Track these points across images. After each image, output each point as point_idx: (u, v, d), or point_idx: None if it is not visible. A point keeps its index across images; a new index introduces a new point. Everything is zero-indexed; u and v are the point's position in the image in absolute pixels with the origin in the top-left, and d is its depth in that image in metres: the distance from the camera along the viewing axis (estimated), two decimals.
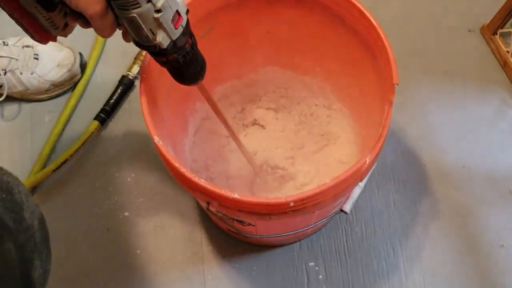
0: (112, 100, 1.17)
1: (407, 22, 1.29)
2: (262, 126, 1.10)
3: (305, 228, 0.89)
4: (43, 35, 0.64)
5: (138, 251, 1.05)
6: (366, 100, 0.93)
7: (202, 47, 0.92)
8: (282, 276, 1.02)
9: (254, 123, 1.10)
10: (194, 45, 0.67)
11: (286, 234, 0.90)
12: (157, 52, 0.63)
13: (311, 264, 1.03)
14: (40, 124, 1.18)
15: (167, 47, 0.62)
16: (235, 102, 1.10)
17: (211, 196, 0.70)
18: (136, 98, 1.19)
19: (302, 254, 1.04)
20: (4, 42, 1.13)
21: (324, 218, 0.89)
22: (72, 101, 1.17)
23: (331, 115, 1.08)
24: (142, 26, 0.59)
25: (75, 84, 1.21)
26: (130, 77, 1.19)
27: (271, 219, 0.71)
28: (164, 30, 0.60)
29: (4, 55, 1.11)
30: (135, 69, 1.20)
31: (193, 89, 1.00)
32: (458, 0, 1.31)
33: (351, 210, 0.86)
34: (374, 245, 1.05)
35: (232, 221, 0.80)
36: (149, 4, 0.56)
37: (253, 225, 0.82)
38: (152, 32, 0.60)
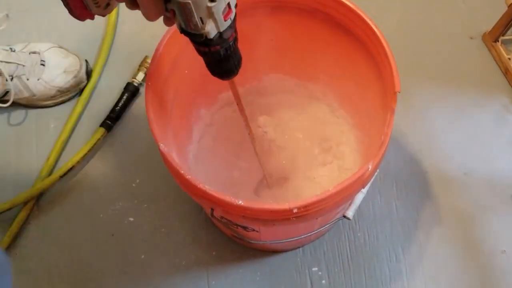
0: (118, 107, 1.17)
1: (409, 29, 1.29)
2: (266, 133, 1.11)
3: (308, 234, 0.89)
4: (82, 11, 0.65)
5: (143, 256, 1.05)
6: (368, 107, 0.94)
7: None
8: (286, 281, 1.03)
9: (259, 130, 1.10)
10: (236, 39, 0.67)
11: (289, 240, 0.90)
12: (201, 42, 0.63)
13: (314, 269, 1.04)
14: (46, 130, 1.19)
15: (213, 37, 0.62)
16: (238, 109, 1.11)
17: (215, 203, 0.71)
18: (141, 105, 1.20)
19: (305, 259, 1.05)
20: (11, 48, 1.14)
21: (327, 224, 0.90)
22: (78, 108, 1.18)
23: (334, 121, 1.09)
24: (194, 14, 0.58)
25: (81, 91, 1.22)
26: (135, 84, 1.20)
27: (274, 225, 0.72)
28: (214, 20, 0.60)
29: (11, 61, 1.12)
30: (140, 76, 1.21)
31: (198, 97, 1.02)
32: (460, 7, 1.32)
33: (353, 216, 0.86)
34: (376, 251, 1.05)
35: (236, 227, 0.80)
36: None
37: (257, 231, 0.83)
38: (202, 21, 0.60)
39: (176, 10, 0.60)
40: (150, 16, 0.62)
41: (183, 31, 0.63)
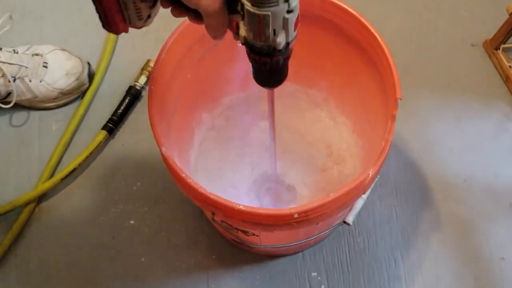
0: (120, 110, 1.18)
1: (410, 36, 1.30)
2: (267, 137, 1.11)
3: (308, 239, 0.90)
4: (121, 24, 0.63)
5: (143, 259, 1.06)
6: (369, 114, 0.94)
7: (208, 60, 0.95)
8: (285, 286, 1.03)
9: (260, 134, 1.11)
10: (292, 50, 0.66)
11: (289, 244, 0.91)
12: (265, 53, 0.62)
13: (314, 274, 1.04)
14: (48, 132, 1.19)
15: (281, 48, 0.61)
16: (240, 114, 1.11)
17: (216, 207, 0.71)
18: (143, 108, 1.21)
19: (305, 264, 1.05)
20: (14, 50, 1.15)
21: (327, 229, 0.91)
22: (80, 110, 1.19)
23: (335, 127, 1.09)
24: (269, 25, 0.57)
25: (83, 93, 1.22)
26: (137, 87, 1.20)
27: (275, 230, 0.72)
28: (286, 31, 0.59)
29: (14, 63, 1.12)
30: (142, 79, 1.21)
31: (200, 101, 1.02)
32: (461, 15, 1.33)
33: (353, 222, 0.87)
34: (376, 257, 1.06)
35: (236, 231, 0.81)
36: (286, 3, 0.55)
37: (257, 235, 0.83)
38: (275, 32, 0.59)
39: (247, 22, 0.58)
40: (216, 33, 0.61)
41: (247, 42, 0.62)
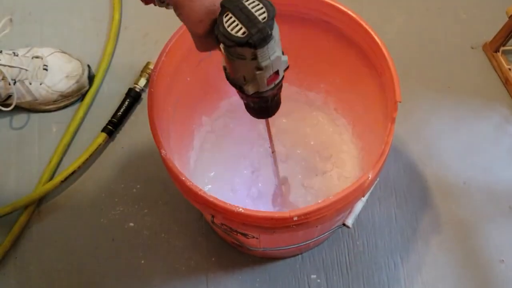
0: (119, 112, 1.18)
1: (410, 38, 1.30)
2: (266, 140, 1.11)
3: (307, 242, 0.90)
4: None
5: (143, 261, 1.06)
6: (369, 116, 0.94)
7: (207, 63, 0.95)
8: None
9: (260, 137, 1.11)
10: (277, 95, 0.67)
11: (289, 247, 0.91)
12: (239, 90, 0.64)
13: (313, 276, 1.04)
14: (48, 134, 1.19)
15: (251, 94, 0.63)
16: (239, 117, 1.11)
17: (216, 209, 0.71)
18: (143, 111, 1.21)
19: (304, 266, 1.05)
20: (14, 53, 1.15)
21: (326, 232, 0.91)
22: (80, 113, 1.19)
23: (334, 129, 1.10)
24: (238, 71, 0.59)
25: (83, 96, 1.22)
26: (137, 90, 1.20)
27: (274, 232, 0.72)
28: (256, 83, 0.60)
29: (14, 65, 1.12)
30: (142, 82, 1.21)
31: (200, 104, 1.02)
32: (461, 18, 1.33)
33: (353, 224, 0.87)
34: (375, 259, 1.06)
35: (236, 233, 0.81)
36: (254, 61, 0.57)
37: (257, 238, 0.83)
38: (244, 79, 0.60)
39: (224, 57, 0.60)
40: (197, 49, 0.63)
41: (225, 72, 0.63)
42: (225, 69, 0.63)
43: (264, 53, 0.56)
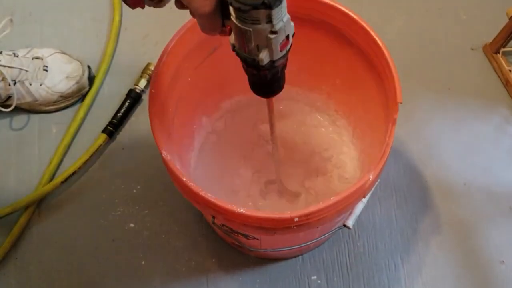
0: (120, 113, 1.18)
1: (410, 39, 1.30)
2: (267, 141, 1.11)
3: (308, 243, 0.90)
4: (137, 1, 0.64)
5: (143, 262, 1.06)
6: (369, 117, 0.94)
7: (209, 64, 0.95)
8: None
9: (260, 138, 1.11)
10: (285, 66, 0.67)
11: (289, 248, 0.91)
12: (251, 64, 0.64)
13: (314, 277, 1.04)
14: (48, 135, 1.19)
15: (265, 64, 0.62)
16: (240, 117, 1.11)
17: (217, 210, 0.71)
18: (143, 112, 1.21)
19: (304, 267, 1.05)
20: (14, 54, 1.15)
21: (327, 233, 0.91)
22: (81, 113, 1.19)
23: (335, 130, 1.10)
24: (252, 41, 0.59)
25: (83, 97, 1.22)
26: (138, 91, 1.20)
27: (275, 233, 0.72)
28: (270, 50, 0.60)
29: (15, 66, 1.12)
30: (143, 82, 1.21)
31: (200, 104, 1.02)
32: (461, 19, 1.33)
33: (353, 225, 0.87)
34: (375, 260, 1.06)
35: (236, 234, 0.81)
36: (269, 24, 0.57)
37: (257, 239, 0.83)
38: (258, 48, 0.60)
39: (235, 32, 0.60)
40: (204, 31, 0.62)
41: (235, 50, 0.63)
42: (234, 46, 0.63)
43: (278, 14, 0.56)
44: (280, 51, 0.62)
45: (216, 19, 0.60)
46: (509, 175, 1.14)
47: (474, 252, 1.06)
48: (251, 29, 0.57)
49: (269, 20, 0.56)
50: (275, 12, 0.55)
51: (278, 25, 0.57)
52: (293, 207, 1.03)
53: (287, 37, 0.61)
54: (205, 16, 0.59)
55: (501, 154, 1.16)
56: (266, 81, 0.68)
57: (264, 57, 0.61)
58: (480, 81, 1.25)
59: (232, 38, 0.62)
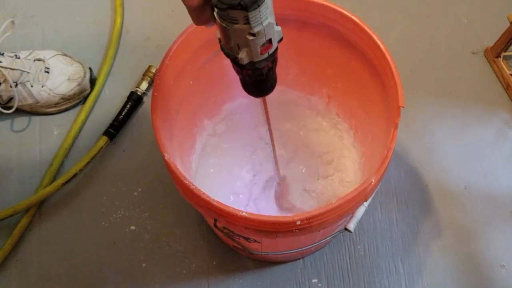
0: (121, 116, 1.18)
1: (411, 43, 1.30)
2: (267, 144, 1.11)
3: (309, 246, 0.90)
4: None
5: (144, 265, 1.06)
6: (371, 121, 0.95)
7: (210, 66, 0.95)
8: None
9: (261, 141, 1.11)
10: (272, 69, 0.67)
11: (290, 251, 0.91)
12: (233, 62, 0.64)
13: (314, 280, 1.04)
14: (49, 137, 1.19)
15: (245, 64, 0.63)
16: (241, 120, 1.12)
17: (219, 213, 0.72)
18: (144, 114, 1.21)
19: (305, 270, 1.05)
20: (16, 55, 1.15)
21: (328, 236, 0.91)
22: (82, 116, 1.19)
23: (336, 134, 1.10)
24: (231, 39, 0.59)
25: (84, 99, 1.22)
26: (139, 93, 1.20)
27: (277, 236, 0.73)
28: (249, 51, 0.61)
29: (16, 68, 1.12)
30: (144, 85, 1.21)
31: (202, 107, 1.02)
32: (462, 23, 1.33)
33: (354, 229, 0.87)
34: (376, 263, 1.06)
35: (238, 237, 0.81)
36: (247, 26, 0.57)
37: (259, 242, 0.83)
38: (238, 47, 0.61)
39: (218, 27, 0.60)
40: (194, 21, 0.63)
41: (221, 46, 0.64)
42: (219, 40, 0.63)
43: (256, 17, 0.57)
44: (262, 53, 0.62)
45: (203, 12, 0.60)
46: (509, 179, 1.14)
47: (474, 256, 1.07)
48: (229, 28, 0.58)
49: (247, 22, 0.57)
50: (252, 14, 0.56)
51: (256, 28, 0.58)
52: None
53: (270, 40, 0.61)
54: (192, 9, 0.60)
55: (501, 158, 1.16)
56: (251, 81, 0.68)
57: (243, 56, 0.61)
58: (481, 85, 1.25)
59: (218, 33, 0.63)
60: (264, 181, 1.07)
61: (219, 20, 0.58)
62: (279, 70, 1.03)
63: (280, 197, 1.04)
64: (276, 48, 0.64)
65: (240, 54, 0.61)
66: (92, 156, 1.13)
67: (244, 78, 0.68)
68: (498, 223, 1.10)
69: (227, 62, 0.95)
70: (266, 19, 0.58)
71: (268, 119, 0.83)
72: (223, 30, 0.59)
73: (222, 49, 0.64)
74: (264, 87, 0.71)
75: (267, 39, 0.60)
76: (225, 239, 0.98)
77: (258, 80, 0.68)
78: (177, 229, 1.09)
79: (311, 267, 1.05)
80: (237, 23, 0.57)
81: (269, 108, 1.11)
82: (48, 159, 1.16)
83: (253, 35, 0.58)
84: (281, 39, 0.63)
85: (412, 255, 1.06)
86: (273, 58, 0.65)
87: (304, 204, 1.04)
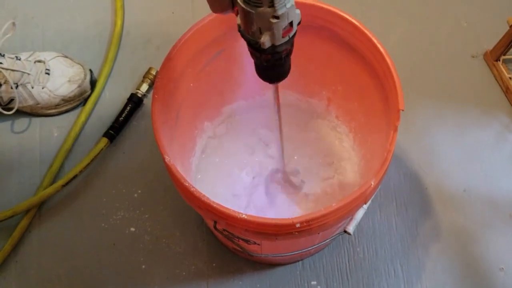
0: (121, 118, 1.18)
1: (410, 46, 1.30)
2: (267, 145, 1.11)
3: (309, 248, 0.90)
4: None
5: (143, 266, 1.06)
6: (371, 124, 0.95)
7: (211, 69, 0.95)
8: None
9: (261, 143, 1.11)
10: (289, 53, 0.68)
11: (290, 253, 0.91)
12: (254, 47, 0.65)
13: (314, 283, 1.04)
14: (49, 138, 1.19)
15: (266, 48, 0.63)
16: (241, 122, 1.12)
17: (219, 215, 0.72)
18: (144, 116, 1.21)
19: (304, 273, 1.05)
20: (17, 57, 1.15)
21: (327, 239, 0.91)
22: (82, 117, 1.19)
23: (336, 136, 1.10)
24: (254, 23, 0.60)
25: (85, 100, 1.22)
26: (139, 95, 1.20)
27: (277, 239, 0.73)
28: (272, 34, 0.61)
29: (17, 69, 1.12)
30: (144, 87, 1.21)
31: (202, 109, 1.03)
32: (462, 26, 1.33)
33: (353, 231, 0.87)
34: (375, 266, 1.06)
35: (237, 239, 0.81)
36: (271, 8, 0.58)
37: (258, 244, 0.83)
38: (260, 31, 0.61)
39: (240, 13, 0.61)
40: (214, 8, 0.63)
41: (240, 32, 0.64)
42: (239, 27, 0.64)
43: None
44: (283, 37, 0.62)
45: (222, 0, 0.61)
46: (509, 182, 1.14)
47: (473, 259, 1.07)
48: (253, 11, 0.58)
49: (272, 4, 0.57)
50: None
51: (280, 10, 0.58)
52: (295, 212, 1.03)
53: (291, 23, 0.62)
54: None
55: (501, 161, 1.16)
56: (268, 66, 0.68)
57: (265, 41, 0.62)
58: (480, 89, 1.25)
59: (238, 19, 0.63)
60: (264, 182, 1.07)
61: (242, 4, 0.58)
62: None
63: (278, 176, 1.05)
64: (295, 32, 0.64)
65: (262, 38, 0.61)
66: (92, 157, 1.13)
67: (262, 63, 0.68)
68: (498, 226, 1.10)
69: (227, 65, 0.96)
70: (289, 1, 0.59)
71: (278, 105, 0.84)
72: (246, 14, 0.59)
73: (242, 35, 0.65)
74: (281, 71, 0.71)
75: (289, 21, 0.61)
76: (225, 241, 0.98)
77: (276, 64, 0.68)
78: (177, 231, 1.09)
79: (310, 269, 1.05)
80: (261, 6, 0.57)
81: (268, 111, 1.12)
82: (48, 160, 1.16)
83: (277, 17, 0.59)
84: (300, 21, 0.64)
85: (411, 258, 1.06)
86: (292, 42, 0.66)
87: (304, 206, 1.04)
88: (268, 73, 0.72)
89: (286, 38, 0.63)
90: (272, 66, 0.68)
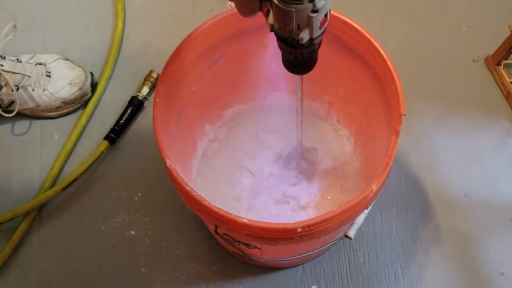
0: (122, 120, 1.18)
1: (411, 51, 1.30)
2: (268, 149, 1.11)
3: (309, 253, 0.90)
4: None
5: (144, 269, 1.06)
6: (372, 128, 0.95)
7: (213, 72, 0.95)
8: None
9: (262, 146, 1.11)
10: (320, 44, 0.68)
11: (290, 258, 0.91)
12: (290, 44, 0.65)
13: (314, 287, 1.04)
14: (50, 141, 1.19)
15: (304, 43, 0.63)
16: (242, 126, 1.12)
17: (220, 220, 0.72)
18: (145, 119, 1.21)
19: (305, 277, 1.05)
20: (17, 59, 1.15)
21: (328, 243, 0.91)
22: (83, 120, 1.19)
23: (337, 141, 1.10)
24: (293, 20, 0.60)
25: (85, 103, 1.22)
26: (140, 98, 1.20)
27: (278, 243, 0.73)
28: (310, 28, 0.61)
29: (18, 72, 1.12)
30: (145, 90, 1.21)
31: (203, 113, 1.03)
32: (463, 30, 1.33)
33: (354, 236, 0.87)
34: (376, 270, 1.06)
35: (238, 243, 0.81)
36: (311, 3, 0.58)
37: (259, 248, 0.83)
38: (298, 27, 0.61)
39: (274, 12, 0.61)
40: (241, 13, 0.63)
41: (274, 30, 0.64)
42: (272, 27, 0.64)
43: None
44: (320, 28, 0.62)
45: (253, 1, 0.61)
46: (509, 186, 1.14)
47: (474, 263, 1.07)
48: (293, 9, 0.58)
49: (311, 0, 0.57)
50: None
51: (320, 3, 0.58)
52: (297, 217, 1.03)
53: (326, 14, 0.62)
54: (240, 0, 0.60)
55: (501, 166, 1.16)
56: (302, 60, 0.68)
57: (304, 36, 0.62)
58: (481, 93, 1.25)
59: (270, 19, 0.63)
60: (265, 186, 1.07)
61: (280, 4, 0.58)
62: (280, 76, 1.03)
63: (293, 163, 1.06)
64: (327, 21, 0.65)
65: (301, 34, 0.61)
66: (92, 160, 1.13)
67: (296, 57, 0.68)
68: (498, 231, 1.10)
69: (228, 68, 0.96)
70: None
71: (302, 92, 0.86)
72: (284, 14, 0.59)
73: (277, 34, 0.64)
74: (311, 63, 0.71)
75: (325, 13, 0.61)
76: (225, 244, 0.98)
77: (310, 57, 0.68)
78: (177, 234, 1.09)
79: (310, 273, 1.05)
80: (302, 3, 0.57)
81: (271, 114, 1.13)
82: (48, 163, 1.16)
83: (316, 11, 0.59)
84: (329, 10, 0.64)
85: (411, 262, 1.06)
86: (323, 33, 0.66)
87: (304, 212, 1.04)
88: (300, 67, 0.72)
89: (322, 29, 0.63)
90: (306, 59, 0.69)
